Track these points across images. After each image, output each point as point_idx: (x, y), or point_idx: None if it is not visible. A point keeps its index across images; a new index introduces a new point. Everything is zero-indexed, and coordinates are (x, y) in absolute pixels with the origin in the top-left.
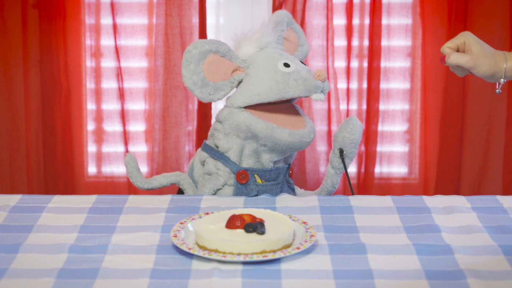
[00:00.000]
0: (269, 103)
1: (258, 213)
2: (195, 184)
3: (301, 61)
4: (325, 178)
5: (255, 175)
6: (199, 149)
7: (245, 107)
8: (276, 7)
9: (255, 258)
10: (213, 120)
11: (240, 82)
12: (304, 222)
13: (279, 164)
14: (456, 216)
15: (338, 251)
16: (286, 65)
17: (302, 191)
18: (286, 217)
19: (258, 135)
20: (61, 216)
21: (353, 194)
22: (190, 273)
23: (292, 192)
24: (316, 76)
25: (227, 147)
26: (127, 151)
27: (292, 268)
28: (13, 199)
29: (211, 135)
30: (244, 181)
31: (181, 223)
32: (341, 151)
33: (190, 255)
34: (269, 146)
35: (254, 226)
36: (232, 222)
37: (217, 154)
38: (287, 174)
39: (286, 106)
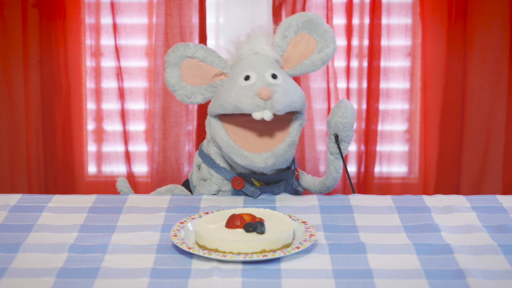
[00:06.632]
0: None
1: (258, 212)
2: (192, 189)
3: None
4: (327, 165)
5: (252, 179)
6: (196, 152)
7: (222, 116)
8: (276, 7)
9: (255, 257)
10: None
11: None
12: (304, 222)
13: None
14: (456, 216)
15: (338, 251)
16: (247, 77)
17: (309, 176)
18: (286, 216)
19: (221, 149)
20: (61, 216)
21: (354, 192)
22: (190, 272)
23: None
24: (257, 94)
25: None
26: (127, 150)
27: (292, 268)
28: (13, 199)
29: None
30: (240, 187)
31: (181, 222)
32: (336, 137)
33: (190, 255)
34: (232, 162)
35: (254, 225)
36: (232, 222)
37: (209, 161)
38: (293, 178)
39: (278, 119)
